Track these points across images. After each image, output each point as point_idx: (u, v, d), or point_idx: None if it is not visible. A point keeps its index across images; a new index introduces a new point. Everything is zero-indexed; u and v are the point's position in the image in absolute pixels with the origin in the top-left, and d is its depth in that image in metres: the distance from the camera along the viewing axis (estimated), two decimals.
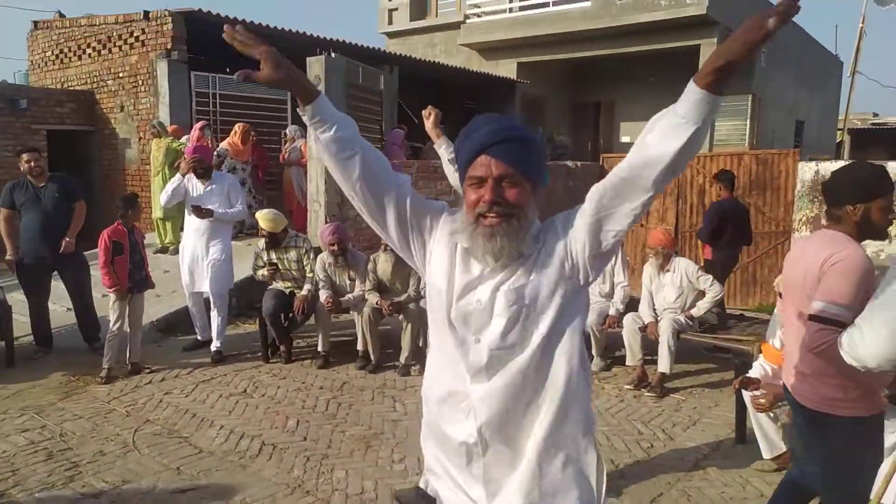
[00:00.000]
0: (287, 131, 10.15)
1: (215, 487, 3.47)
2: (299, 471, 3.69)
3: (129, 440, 4.05)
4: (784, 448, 3.69)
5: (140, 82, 10.71)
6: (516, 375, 1.52)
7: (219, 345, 5.73)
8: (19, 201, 5.65)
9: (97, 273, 6.88)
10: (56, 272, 5.86)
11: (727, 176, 6.64)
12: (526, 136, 1.53)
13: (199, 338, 6.01)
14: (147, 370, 5.38)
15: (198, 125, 8.71)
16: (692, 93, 1.32)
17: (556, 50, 14.81)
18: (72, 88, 11.80)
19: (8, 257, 5.71)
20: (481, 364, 1.53)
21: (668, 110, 1.36)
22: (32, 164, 5.59)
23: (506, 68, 15.61)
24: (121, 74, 11.00)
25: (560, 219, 1.57)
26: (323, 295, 5.68)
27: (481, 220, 1.50)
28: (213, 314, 5.79)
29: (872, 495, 3.03)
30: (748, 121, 14.82)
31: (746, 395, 3.67)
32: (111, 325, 5.24)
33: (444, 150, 3.25)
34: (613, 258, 5.58)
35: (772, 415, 3.65)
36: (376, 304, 5.53)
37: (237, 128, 9.01)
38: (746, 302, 8.33)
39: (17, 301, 6.28)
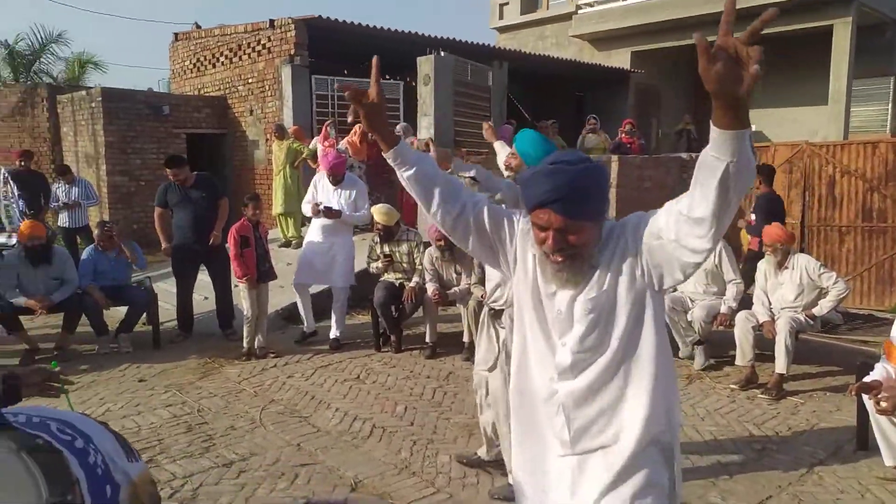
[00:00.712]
0: (397, 129, 10.50)
1: (330, 463, 3.76)
2: (406, 453, 3.92)
3: (256, 417, 4.45)
4: None
5: (267, 87, 11.50)
6: (599, 374, 1.64)
7: (337, 333, 6.12)
8: (172, 201, 6.34)
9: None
10: (203, 265, 6.50)
11: (766, 170, 6.93)
12: (584, 184, 1.57)
13: (305, 330, 6.35)
14: (273, 354, 5.85)
15: (326, 124, 9.25)
16: (713, 132, 1.29)
17: (672, 37, 14.28)
18: (207, 94, 12.85)
19: (164, 247, 6.46)
20: (566, 364, 1.66)
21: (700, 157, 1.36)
22: (177, 176, 6.25)
23: (619, 58, 15.26)
24: (250, 80, 11.85)
25: (631, 225, 1.62)
26: (430, 287, 5.90)
27: (549, 257, 1.63)
28: (335, 306, 6.19)
29: None
30: (890, 105, 13.62)
31: (867, 399, 3.47)
32: (245, 311, 5.79)
33: (498, 147, 3.93)
34: (718, 258, 5.37)
35: (895, 420, 3.43)
36: (481, 297, 5.67)
37: (356, 128, 9.48)
38: (882, 302, 7.72)
39: (162, 290, 6.99)
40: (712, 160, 1.31)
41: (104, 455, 1.54)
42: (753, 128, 13.97)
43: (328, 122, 9.43)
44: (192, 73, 13.42)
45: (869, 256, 7.95)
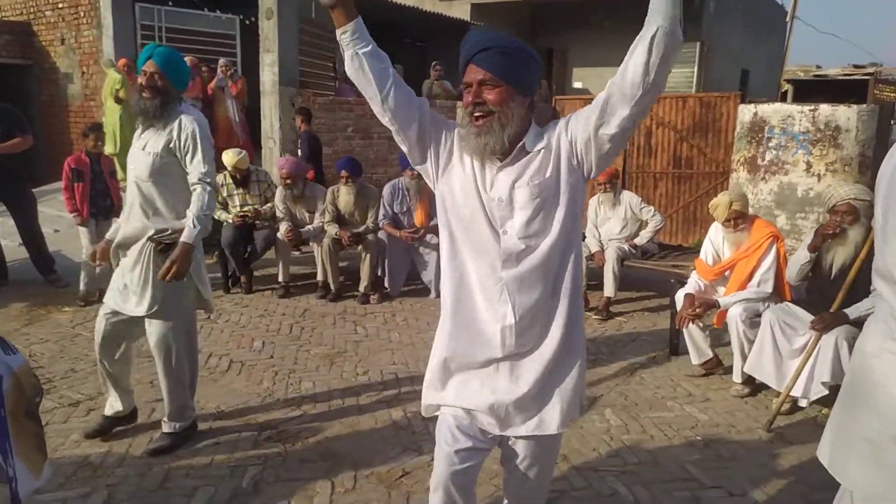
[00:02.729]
0: (220, 63, 9.77)
1: None
2: (268, 383, 3.92)
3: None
4: (711, 354, 4.10)
5: (82, 13, 10.30)
6: (542, 258, 1.74)
7: None
8: None
9: (47, 210, 6.84)
10: (4, 206, 5.82)
11: (304, 111, 7.59)
12: (507, 45, 1.70)
13: None
14: None
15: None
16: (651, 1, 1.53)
17: None
18: (6, 19, 11.25)
19: None
20: (510, 252, 1.74)
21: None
22: None
23: (459, 9, 15.50)
24: (60, 5, 10.54)
25: (563, 121, 1.77)
26: (283, 227, 5.81)
27: (471, 121, 1.72)
28: None
29: (783, 388, 3.45)
30: (696, 68, 15.20)
31: (679, 301, 4.06)
32: (83, 250, 5.37)
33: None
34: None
35: (701, 324, 4.04)
36: (336, 234, 5.71)
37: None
38: (686, 239, 8.79)
39: None
40: (647, 27, 1.53)
41: None
42: (579, 84, 14.90)
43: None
44: None
45: (678, 199, 9.00)
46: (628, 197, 5.71)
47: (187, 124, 2.92)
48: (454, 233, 1.81)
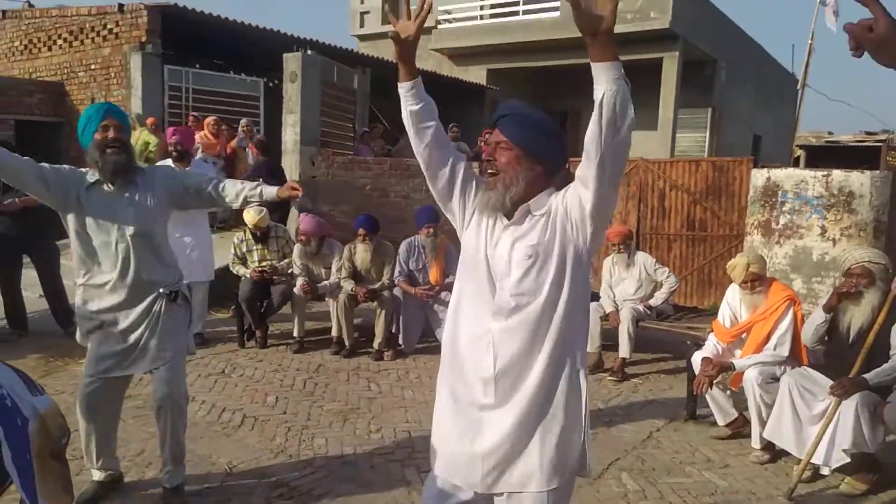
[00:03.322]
0: (241, 123, 10.08)
1: (202, 452, 3.66)
2: (281, 439, 3.90)
3: None
4: (735, 414, 4.04)
5: (112, 75, 10.74)
6: (530, 315, 1.81)
7: (200, 328, 5.87)
8: None
9: (69, 262, 6.97)
10: (27, 256, 5.94)
11: (261, 146, 8.19)
12: (528, 114, 1.88)
13: None
14: None
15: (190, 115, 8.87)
16: (593, 69, 1.60)
17: (525, 58, 15.22)
18: (41, 79, 11.74)
19: None
20: (502, 307, 1.83)
21: None
22: None
23: (476, 74, 15.97)
24: (93, 66, 11.01)
25: (567, 188, 1.86)
26: (299, 281, 5.88)
27: (484, 178, 1.91)
28: (194, 301, 5.91)
29: (804, 455, 3.38)
30: (707, 133, 15.45)
31: (696, 364, 4.02)
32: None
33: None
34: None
35: (721, 386, 3.99)
36: (352, 290, 5.76)
37: (208, 120, 9.15)
38: (701, 301, 8.75)
39: None
40: (595, 94, 1.59)
41: (7, 389, 1.48)
42: None
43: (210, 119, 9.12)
44: (22, 55, 12.20)
45: (692, 261, 9.01)
46: (643, 258, 5.74)
47: (157, 166, 3.13)
48: (464, 282, 1.94)
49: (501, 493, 1.86)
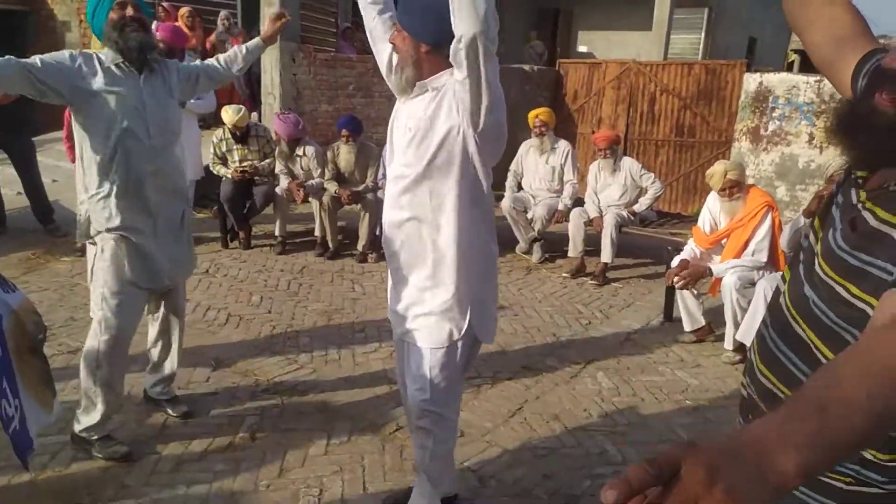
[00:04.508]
0: (220, 15, 9.55)
1: (187, 348, 3.69)
2: (266, 337, 3.97)
3: None
4: (703, 322, 4.15)
5: None
6: (408, 185, 1.97)
7: None
8: None
9: (45, 159, 6.80)
10: (3, 152, 5.79)
11: None
12: (419, 4, 1.92)
13: None
14: None
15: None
16: None
17: None
18: None
19: None
20: (394, 174, 2.02)
21: None
22: None
23: None
24: None
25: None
26: (285, 182, 5.80)
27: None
28: None
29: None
30: (703, 35, 14.97)
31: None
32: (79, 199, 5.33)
33: None
34: (564, 158, 5.86)
35: (695, 292, 4.08)
36: (335, 192, 5.70)
37: (182, 11, 8.69)
38: (686, 207, 8.79)
39: None
40: None
41: None
42: (584, 48, 14.60)
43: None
44: None
45: (679, 167, 8.98)
46: (629, 163, 5.70)
47: (177, 61, 2.82)
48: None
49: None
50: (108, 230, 2.54)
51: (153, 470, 2.60)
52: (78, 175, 2.66)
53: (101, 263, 2.56)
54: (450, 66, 1.82)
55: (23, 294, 1.68)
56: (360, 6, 2.11)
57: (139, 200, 2.55)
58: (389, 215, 2.05)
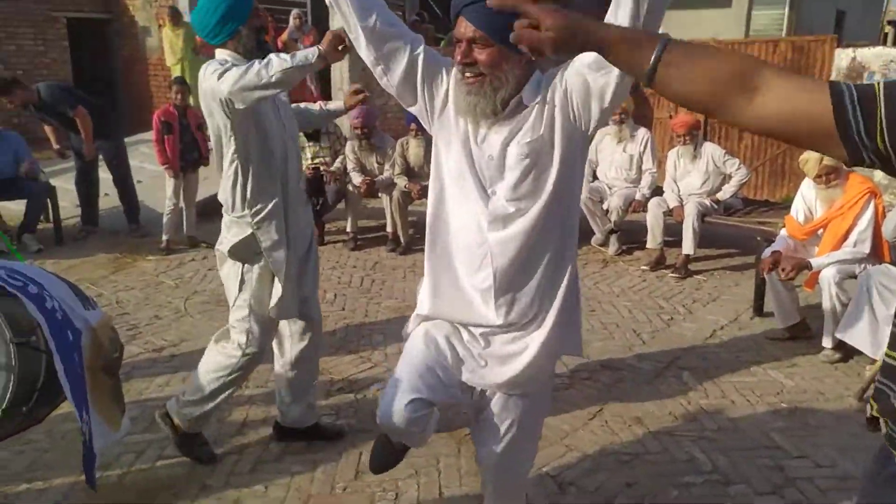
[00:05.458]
0: (292, 14, 9.70)
1: None
2: (341, 334, 3.98)
3: (181, 307, 4.35)
4: (798, 318, 3.87)
5: None
6: (530, 221, 1.63)
7: None
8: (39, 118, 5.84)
9: (131, 162, 7.08)
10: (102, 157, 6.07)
11: None
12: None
13: None
14: (204, 245, 5.63)
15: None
16: None
17: None
18: None
19: (55, 146, 6.01)
20: (498, 215, 1.63)
21: None
22: (13, 103, 5.59)
23: None
24: None
25: (561, 69, 1.62)
26: (357, 178, 5.82)
27: (463, 77, 1.60)
28: None
29: (878, 356, 3.22)
30: (786, 9, 14.14)
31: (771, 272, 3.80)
32: (167, 200, 5.63)
33: None
34: (644, 147, 5.63)
35: (789, 285, 3.81)
36: (405, 187, 5.67)
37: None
38: (773, 194, 8.31)
39: (62, 189, 6.51)
40: None
41: (60, 301, 1.48)
42: (661, 29, 14.18)
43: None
44: None
45: (764, 152, 8.48)
46: (710, 149, 5.40)
47: None
48: (445, 183, 1.71)
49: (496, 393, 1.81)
50: (268, 250, 2.43)
51: (232, 471, 2.63)
52: (227, 191, 2.43)
53: (254, 287, 2.46)
54: (530, 65, 1.59)
55: (102, 311, 1.70)
56: (351, 19, 1.63)
57: (292, 219, 2.49)
58: (503, 266, 1.65)
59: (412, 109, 1.74)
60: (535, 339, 1.72)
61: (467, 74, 1.58)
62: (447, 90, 1.68)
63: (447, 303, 1.75)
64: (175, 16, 8.87)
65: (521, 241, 1.64)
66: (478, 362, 1.75)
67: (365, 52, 1.65)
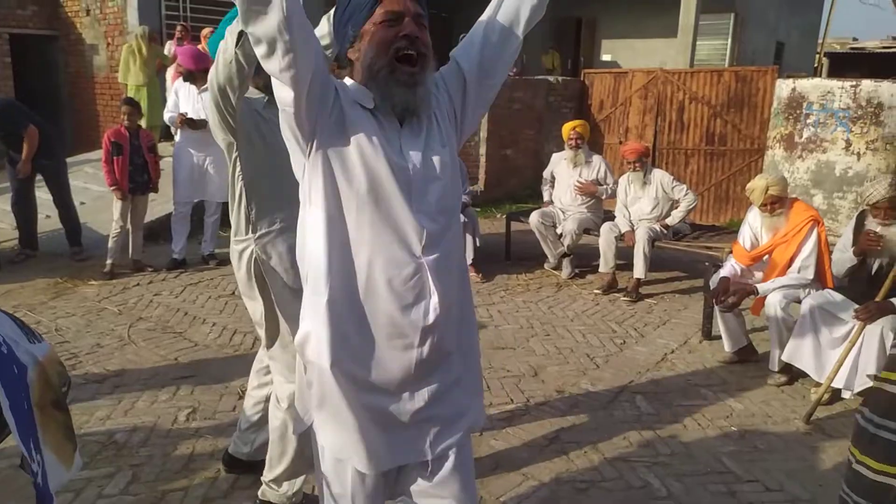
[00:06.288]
0: None
1: (214, 373, 3.65)
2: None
3: (124, 335, 4.18)
4: (745, 342, 3.97)
5: None
6: (454, 237, 1.50)
7: (212, 249, 5.84)
8: None
9: (74, 181, 6.84)
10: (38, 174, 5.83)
11: None
12: None
13: (175, 257, 5.73)
14: (150, 269, 5.53)
15: (178, 28, 8.47)
16: None
17: None
18: None
19: None
20: (432, 234, 1.41)
21: None
22: None
23: None
24: None
25: (439, 76, 1.55)
26: None
27: (399, 66, 1.39)
28: (207, 221, 5.84)
29: (824, 378, 3.32)
30: (729, 40, 14.73)
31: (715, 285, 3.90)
32: (113, 223, 5.43)
33: None
34: (602, 174, 5.75)
35: (736, 311, 3.90)
36: None
37: (203, 33, 8.73)
38: (718, 218, 8.57)
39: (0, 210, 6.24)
40: None
41: (3, 336, 1.39)
42: (608, 57, 14.40)
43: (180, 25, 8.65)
44: None
45: (710, 177, 8.76)
46: (659, 175, 5.54)
47: None
48: (342, 206, 1.39)
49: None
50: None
51: None
52: (239, 215, 2.24)
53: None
54: None
55: (48, 344, 1.61)
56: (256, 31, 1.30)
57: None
58: (443, 290, 1.47)
59: (299, 123, 1.38)
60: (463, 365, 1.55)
61: (409, 55, 1.39)
62: (339, 100, 1.42)
63: (362, 354, 1.43)
64: (152, 36, 8.63)
65: (453, 263, 1.47)
66: (424, 432, 1.50)
67: (273, 61, 1.30)
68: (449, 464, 1.54)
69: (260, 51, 1.31)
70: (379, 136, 1.40)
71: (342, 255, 1.40)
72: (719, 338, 4.10)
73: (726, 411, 3.41)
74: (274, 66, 1.30)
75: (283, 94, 1.34)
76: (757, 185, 3.87)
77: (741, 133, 8.60)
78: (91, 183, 7.62)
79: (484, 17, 1.58)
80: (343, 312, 1.41)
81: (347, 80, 1.49)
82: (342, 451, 1.50)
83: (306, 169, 1.42)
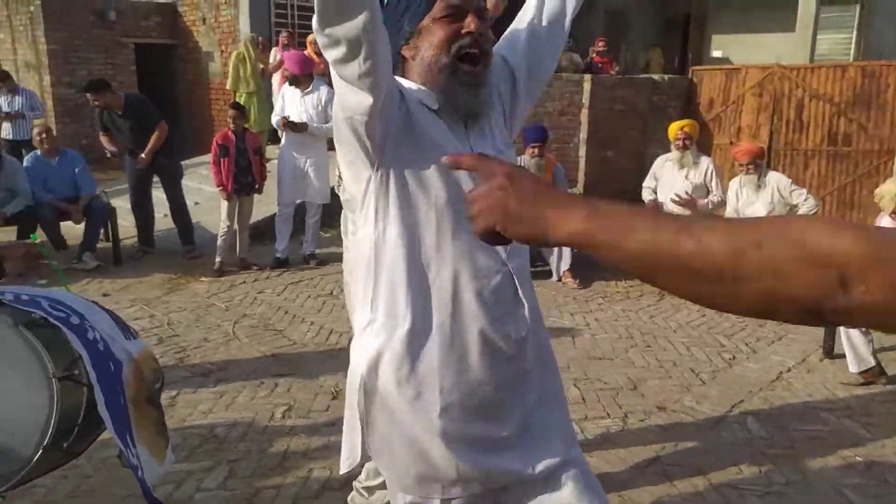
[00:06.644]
0: None
1: (309, 371, 3.72)
2: None
3: (229, 330, 4.36)
4: (873, 363, 3.60)
5: None
6: (525, 248, 1.40)
7: (312, 249, 6.02)
8: (109, 127, 5.96)
9: (189, 183, 7.24)
10: (158, 178, 6.22)
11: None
12: None
13: (279, 256, 5.91)
14: (255, 267, 5.76)
15: (281, 35, 8.80)
16: None
17: None
18: (156, 1, 12.04)
19: (113, 150, 6.15)
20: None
21: None
22: (96, 102, 5.76)
23: None
24: None
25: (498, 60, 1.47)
26: None
27: (461, 66, 1.30)
28: (309, 222, 6.02)
29: None
30: (854, 33, 13.65)
31: None
32: (221, 223, 5.72)
33: None
34: (708, 176, 5.45)
35: (863, 329, 3.55)
36: None
37: (309, 39, 9.00)
38: None
39: (122, 209, 6.69)
40: None
41: (101, 332, 1.45)
42: (719, 53, 13.72)
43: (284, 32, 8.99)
44: None
45: (832, 180, 8.10)
46: (776, 178, 5.16)
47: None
48: (419, 220, 1.30)
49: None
50: None
51: None
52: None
53: None
54: None
55: (143, 342, 1.66)
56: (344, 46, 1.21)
57: None
58: (528, 297, 1.44)
59: (368, 134, 1.28)
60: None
61: (471, 54, 1.30)
62: (401, 100, 1.32)
63: (448, 381, 1.32)
64: (260, 43, 9.07)
65: (527, 271, 1.43)
66: (520, 449, 1.40)
67: (356, 78, 1.21)
68: (570, 482, 1.43)
69: (336, 54, 1.19)
70: (451, 139, 1.32)
71: (421, 276, 1.31)
72: (843, 356, 3.75)
73: (851, 439, 3.10)
74: (352, 70, 1.19)
75: (357, 100, 1.23)
76: (887, 191, 3.52)
77: (868, 133, 7.90)
78: (204, 184, 8.04)
79: (528, 9, 1.50)
80: (425, 341, 1.31)
81: (403, 80, 1.37)
82: (418, 489, 1.38)
83: (371, 182, 1.30)
